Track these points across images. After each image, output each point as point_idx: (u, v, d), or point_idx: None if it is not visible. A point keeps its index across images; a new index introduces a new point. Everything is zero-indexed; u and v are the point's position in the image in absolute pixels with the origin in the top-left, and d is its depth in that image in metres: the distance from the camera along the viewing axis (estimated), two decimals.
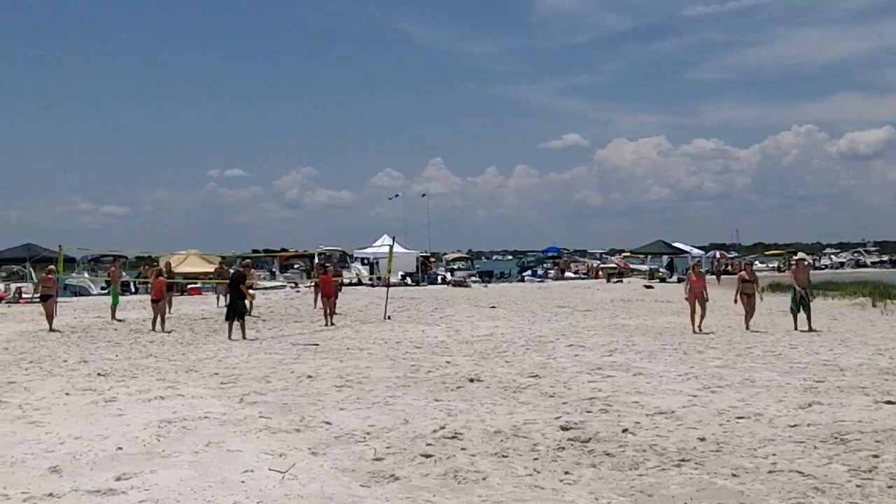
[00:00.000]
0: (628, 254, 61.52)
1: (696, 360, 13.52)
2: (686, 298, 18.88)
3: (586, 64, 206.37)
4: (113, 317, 23.46)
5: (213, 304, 29.41)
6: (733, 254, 75.15)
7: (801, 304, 18.48)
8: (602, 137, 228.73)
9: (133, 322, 22.61)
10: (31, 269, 40.36)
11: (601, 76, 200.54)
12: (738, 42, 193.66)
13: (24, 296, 35.33)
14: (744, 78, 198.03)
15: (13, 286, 37.83)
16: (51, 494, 6.28)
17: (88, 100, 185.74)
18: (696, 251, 58.30)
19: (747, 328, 18.53)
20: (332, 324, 21.34)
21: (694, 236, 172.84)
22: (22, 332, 20.55)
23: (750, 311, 18.96)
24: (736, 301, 19.35)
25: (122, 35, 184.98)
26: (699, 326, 18.26)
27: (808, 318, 18.38)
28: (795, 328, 18.17)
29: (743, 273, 20.05)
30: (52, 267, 23.22)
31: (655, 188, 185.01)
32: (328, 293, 22.39)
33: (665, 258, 56.74)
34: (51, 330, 20.38)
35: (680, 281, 47.70)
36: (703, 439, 7.85)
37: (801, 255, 27.20)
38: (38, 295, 22.36)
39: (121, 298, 25.89)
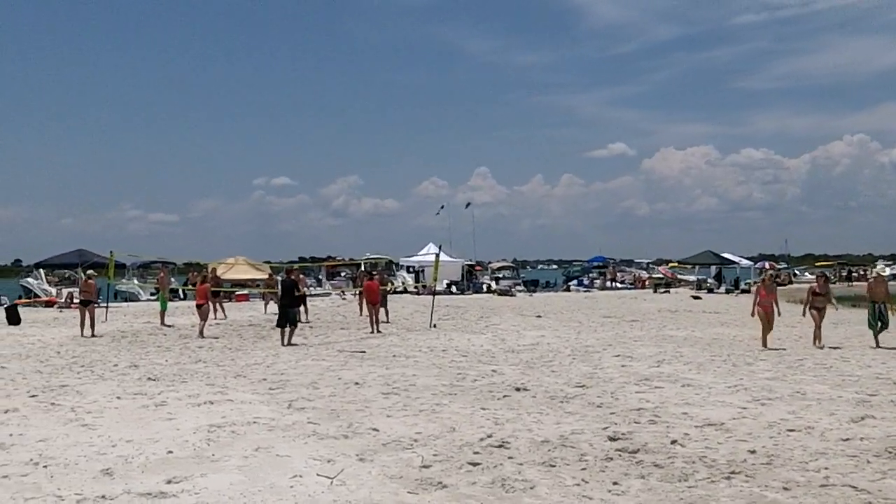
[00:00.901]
0: (675, 264, 60.84)
1: (745, 372, 13.35)
2: (753, 314, 17.79)
3: (634, 73, 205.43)
4: (162, 322, 23.82)
5: (260, 311, 29.77)
6: (783, 265, 74.01)
7: (878, 318, 17.39)
8: (649, 147, 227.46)
9: (182, 328, 22.93)
10: (82, 274, 41.16)
11: (649, 85, 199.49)
12: (788, 50, 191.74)
13: (75, 301, 36.02)
14: (794, 87, 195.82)
15: (65, 291, 38.56)
16: (103, 496, 6.39)
17: (139, 109, 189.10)
18: (744, 262, 57.62)
19: (815, 344, 17.30)
20: (379, 331, 21.44)
21: (742, 247, 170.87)
22: (74, 336, 20.94)
23: (819, 327, 17.57)
24: (804, 315, 18.11)
25: (173, 46, 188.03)
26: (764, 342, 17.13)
27: (876, 334, 17.29)
28: (876, 345, 17.09)
29: (814, 286, 18.52)
30: (91, 272, 23.63)
31: (703, 198, 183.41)
32: (374, 300, 22.46)
33: (713, 269, 56.07)
34: (92, 335, 20.75)
35: (728, 292, 47.28)
36: (753, 452, 7.76)
37: (879, 266, 26.56)
38: (78, 300, 22.75)
39: (169, 304, 26.29)
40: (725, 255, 56.36)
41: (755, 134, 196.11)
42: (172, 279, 40.31)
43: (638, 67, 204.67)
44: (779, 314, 17.53)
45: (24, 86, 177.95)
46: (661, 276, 57.27)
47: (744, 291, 47.07)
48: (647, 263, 69.82)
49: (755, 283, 47.66)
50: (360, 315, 26.94)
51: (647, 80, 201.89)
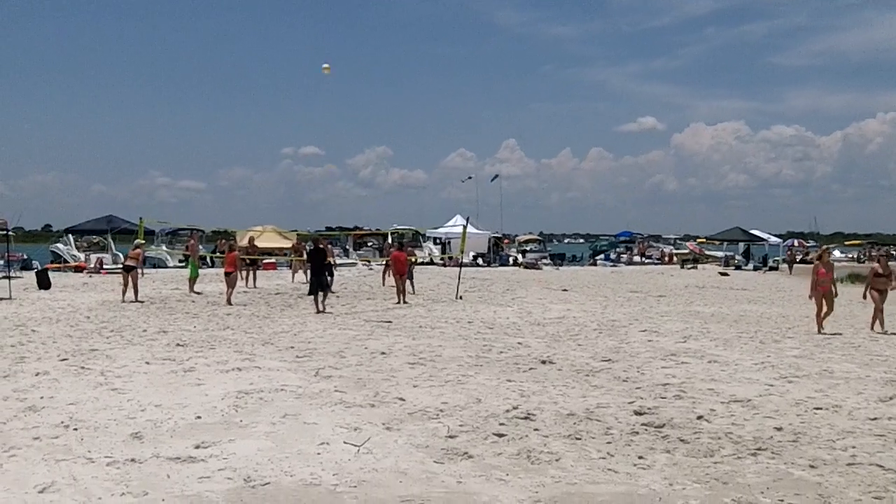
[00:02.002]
0: (703, 240, 60.33)
1: (772, 350, 13.26)
2: (811, 295, 16.16)
3: (666, 47, 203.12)
4: (191, 289, 24.00)
5: (287, 280, 29.94)
6: (812, 243, 73.20)
7: None
8: (679, 122, 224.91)
9: (210, 295, 23.10)
10: (111, 240, 41.55)
11: (681, 60, 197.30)
12: (824, 27, 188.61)
13: (105, 267, 36.40)
14: (828, 63, 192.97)
15: (93, 257, 38.94)
16: (133, 459, 6.47)
17: (168, 77, 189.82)
18: (773, 239, 56.97)
19: (875, 328, 16.01)
20: (405, 301, 21.50)
21: (771, 224, 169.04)
22: (103, 301, 21.18)
23: (880, 310, 15.99)
24: (865, 297, 16.54)
25: (205, 15, 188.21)
26: (821, 324, 15.78)
27: None
28: None
29: (876, 266, 17.09)
30: (140, 241, 23.82)
31: (732, 174, 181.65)
32: (401, 271, 22.48)
33: (741, 245, 55.59)
34: (135, 300, 21.03)
35: (756, 269, 46.86)
36: (779, 429, 7.72)
37: None
38: (123, 264, 22.99)
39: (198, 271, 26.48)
40: (754, 232, 55.77)
41: (787, 111, 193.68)
42: (201, 246, 40.64)
43: (670, 41, 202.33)
44: (836, 294, 16.25)
45: (55, 54, 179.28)
46: (688, 251, 56.85)
47: (772, 269, 46.66)
48: (675, 239, 69.39)
49: (784, 260, 47.48)
50: (383, 285, 27.01)
51: (680, 55, 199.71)
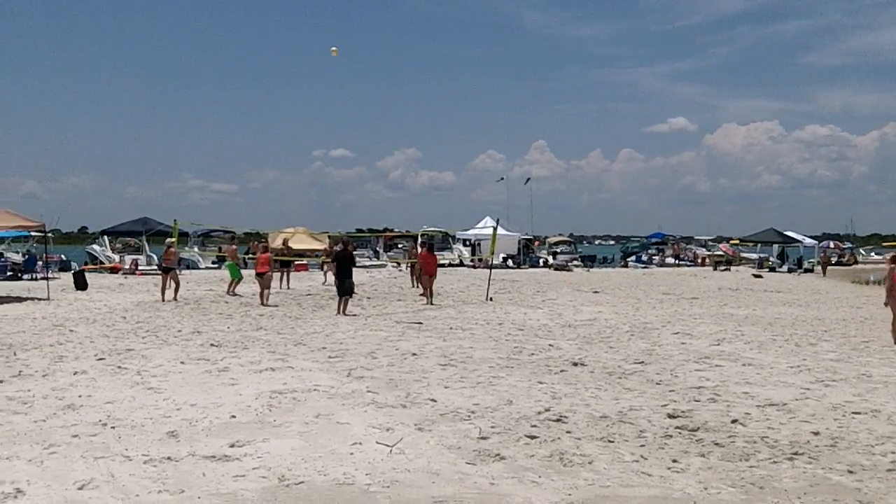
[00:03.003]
0: (737, 241, 59.79)
1: (808, 353, 13.12)
2: (886, 303, 14.44)
3: (696, 47, 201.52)
4: (231, 292, 24.11)
5: (318, 281, 30.07)
6: (847, 244, 72.33)
7: None
8: (711, 122, 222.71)
9: (243, 296, 23.26)
10: (146, 241, 41.99)
11: (712, 59, 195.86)
12: (857, 25, 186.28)
13: (140, 268, 36.82)
14: (863, 62, 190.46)
15: (128, 258, 39.39)
16: (169, 458, 6.54)
17: (201, 81, 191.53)
18: (808, 240, 56.39)
19: None
20: (433, 303, 21.52)
21: (806, 225, 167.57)
22: (139, 302, 21.43)
23: None
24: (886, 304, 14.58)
25: (236, 18, 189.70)
26: None
27: None
28: None
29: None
30: (171, 240, 24.10)
31: (766, 175, 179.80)
32: (431, 271, 22.52)
33: (776, 247, 55.04)
34: (175, 299, 21.48)
35: (791, 271, 46.39)
36: (816, 433, 7.64)
37: None
38: (160, 266, 23.30)
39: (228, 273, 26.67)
40: (789, 234, 55.24)
41: (821, 110, 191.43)
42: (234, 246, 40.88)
43: (701, 41, 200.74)
44: None
45: (91, 59, 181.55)
46: (721, 253, 56.39)
47: (807, 270, 46.19)
48: (707, 241, 68.87)
49: (819, 262, 46.91)
50: (412, 287, 27.05)
51: (711, 54, 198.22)
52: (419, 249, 27.06)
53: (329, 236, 40.10)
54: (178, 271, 22.71)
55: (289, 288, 26.79)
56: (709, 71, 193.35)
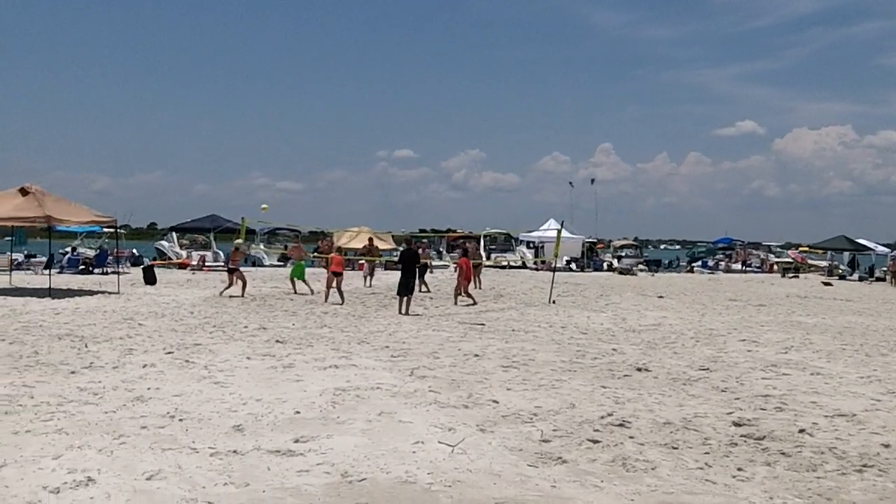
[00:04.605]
0: (806, 248, 58.50)
1: (879, 363, 12.79)
2: None
3: (768, 49, 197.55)
4: (295, 290, 24.41)
5: (383, 280, 30.19)
6: None
7: None
8: (781, 126, 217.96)
9: (307, 293, 23.51)
10: (213, 238, 42.79)
11: (784, 61, 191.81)
12: None
13: (207, 264, 37.54)
14: None
15: (196, 254, 40.18)
16: (235, 451, 6.66)
17: (271, 82, 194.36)
18: (881, 248, 54.94)
19: None
20: (458, 303, 21.87)
21: (878, 233, 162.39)
22: (206, 297, 21.84)
23: None
24: None
25: (303, 20, 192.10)
26: None
27: None
28: None
29: None
30: (240, 241, 24.53)
31: (837, 181, 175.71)
32: (468, 275, 22.77)
33: (846, 255, 53.70)
34: (242, 295, 21.97)
35: (862, 280, 45.23)
36: (887, 446, 7.44)
37: None
38: (229, 266, 23.76)
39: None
40: (860, 241, 53.86)
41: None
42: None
43: (773, 43, 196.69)
44: None
45: (163, 57, 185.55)
46: (790, 260, 55.26)
47: (879, 279, 44.99)
48: (776, 247, 67.52)
49: (889, 271, 45.61)
50: (476, 288, 27.07)
51: (783, 56, 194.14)
52: (482, 252, 27.15)
53: (393, 236, 40.36)
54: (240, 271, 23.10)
55: (371, 286, 26.97)
56: (780, 73, 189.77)
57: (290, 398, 8.82)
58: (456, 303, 22.06)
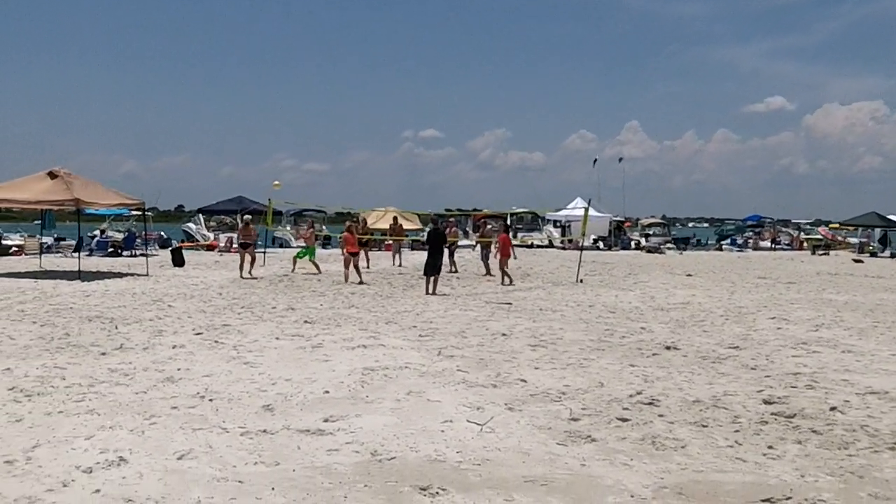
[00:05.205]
0: (836, 225, 57.78)
1: None
2: None
3: (799, 23, 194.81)
4: (319, 270, 24.60)
5: (407, 259, 30.23)
6: None
7: None
8: (811, 102, 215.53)
9: (335, 274, 23.60)
10: (240, 220, 43.05)
11: (814, 36, 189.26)
12: None
13: (234, 245, 37.77)
14: None
15: (222, 236, 40.43)
16: (265, 431, 6.71)
17: (296, 64, 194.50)
18: None
19: None
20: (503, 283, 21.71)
21: None
22: (234, 279, 21.97)
23: None
24: None
25: (325, 3, 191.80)
26: None
27: None
28: None
29: None
30: (248, 217, 24.75)
31: (868, 157, 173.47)
32: (506, 252, 22.60)
33: (878, 231, 52.98)
34: (251, 275, 22.24)
35: (893, 257, 44.65)
36: None
37: None
38: (238, 242, 23.94)
39: (322, 252, 27.08)
40: (892, 217, 53.09)
41: None
42: (324, 227, 41.60)
43: (803, 17, 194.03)
44: None
45: (187, 41, 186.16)
46: (820, 237, 54.66)
47: None
48: (805, 224, 66.79)
49: None
50: (503, 268, 26.95)
51: (813, 30, 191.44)
52: (507, 230, 27.05)
53: (419, 216, 40.37)
54: (254, 248, 23.29)
55: (367, 268, 27.08)
56: (810, 48, 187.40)
57: (319, 378, 8.87)
58: (504, 282, 21.88)
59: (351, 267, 21.55)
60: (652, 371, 9.66)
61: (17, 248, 33.31)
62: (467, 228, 50.62)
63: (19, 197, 22.17)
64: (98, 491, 5.24)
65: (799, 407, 7.90)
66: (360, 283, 20.99)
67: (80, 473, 5.56)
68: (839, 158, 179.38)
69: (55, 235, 36.82)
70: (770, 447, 6.51)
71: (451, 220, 28.68)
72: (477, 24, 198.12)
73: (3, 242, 34.06)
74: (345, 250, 21.94)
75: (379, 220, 40.34)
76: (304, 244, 26.89)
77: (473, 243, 43.03)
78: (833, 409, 7.88)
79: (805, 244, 52.95)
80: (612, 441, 6.60)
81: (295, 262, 25.17)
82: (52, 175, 21.96)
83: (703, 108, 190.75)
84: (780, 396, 8.36)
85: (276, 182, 29.36)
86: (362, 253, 27.56)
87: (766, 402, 8.08)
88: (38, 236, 33.75)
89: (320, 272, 23.98)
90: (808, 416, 7.54)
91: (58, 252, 33.07)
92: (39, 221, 36.04)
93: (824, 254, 46.33)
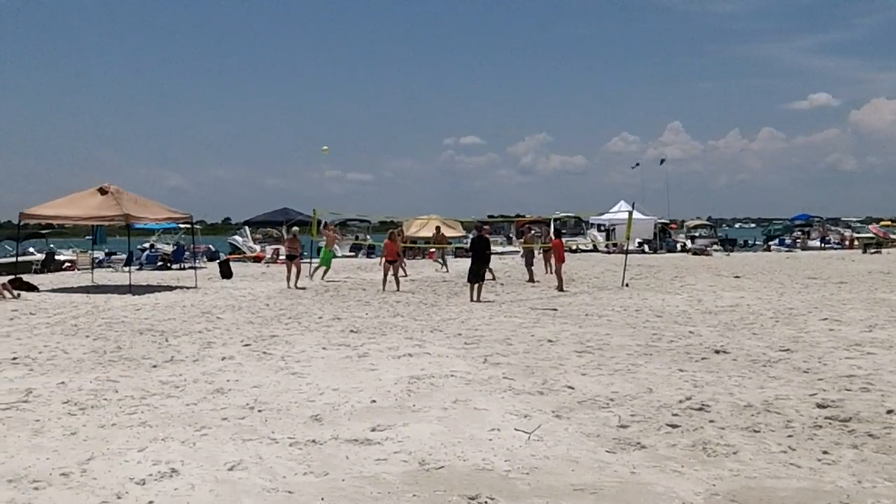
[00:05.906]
0: (888, 223, 56.75)
1: None
2: None
3: (843, 17, 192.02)
4: (318, 276, 24.93)
5: (452, 267, 30.24)
6: None
7: None
8: (857, 97, 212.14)
9: (377, 283, 23.67)
10: (285, 232, 43.41)
11: (859, 30, 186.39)
12: None
13: (281, 257, 38.12)
14: None
15: (269, 248, 40.82)
16: (314, 441, 6.73)
17: (336, 77, 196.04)
18: None
19: None
20: (563, 289, 21.43)
21: None
22: (280, 290, 22.18)
23: None
24: None
25: (367, 14, 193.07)
26: None
27: None
28: None
29: None
30: (295, 229, 25.02)
31: None
32: (561, 257, 22.42)
33: None
34: (296, 286, 22.50)
35: None
36: None
37: None
38: (287, 254, 24.21)
39: (366, 261, 27.22)
40: None
41: None
42: (368, 237, 41.79)
43: (848, 11, 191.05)
44: None
45: (234, 53, 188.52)
46: (871, 235, 53.64)
47: None
48: (855, 222, 65.61)
49: None
50: (547, 274, 26.87)
51: (858, 24, 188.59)
52: (552, 236, 26.96)
53: (462, 223, 40.39)
54: (300, 259, 23.59)
55: (405, 275, 27.14)
56: (854, 43, 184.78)
57: (365, 387, 8.89)
58: (562, 287, 21.66)
59: (389, 274, 21.72)
60: (701, 376, 9.53)
61: (70, 264, 33.99)
62: (511, 235, 50.50)
63: (71, 213, 22.67)
64: (151, 502, 5.30)
65: (854, 410, 7.74)
66: (397, 290, 21.07)
67: (133, 485, 5.63)
68: (889, 154, 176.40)
69: (106, 250, 37.50)
70: (825, 452, 6.39)
71: (486, 227, 28.66)
72: (515, 29, 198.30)
73: (57, 258, 34.75)
74: (383, 258, 22.14)
75: (422, 229, 40.43)
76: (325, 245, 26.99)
77: (518, 249, 43.04)
78: (890, 412, 7.70)
79: (856, 242, 51.98)
80: (662, 448, 6.52)
81: (322, 272, 25.39)
82: (103, 191, 22.40)
83: (746, 107, 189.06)
84: (833, 400, 8.20)
85: (325, 147, 29.39)
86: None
87: (820, 406, 7.93)
88: (89, 251, 34.37)
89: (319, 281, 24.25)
90: (864, 420, 7.38)
91: (109, 266, 33.68)
92: (91, 237, 36.73)
93: (876, 252, 45.40)
